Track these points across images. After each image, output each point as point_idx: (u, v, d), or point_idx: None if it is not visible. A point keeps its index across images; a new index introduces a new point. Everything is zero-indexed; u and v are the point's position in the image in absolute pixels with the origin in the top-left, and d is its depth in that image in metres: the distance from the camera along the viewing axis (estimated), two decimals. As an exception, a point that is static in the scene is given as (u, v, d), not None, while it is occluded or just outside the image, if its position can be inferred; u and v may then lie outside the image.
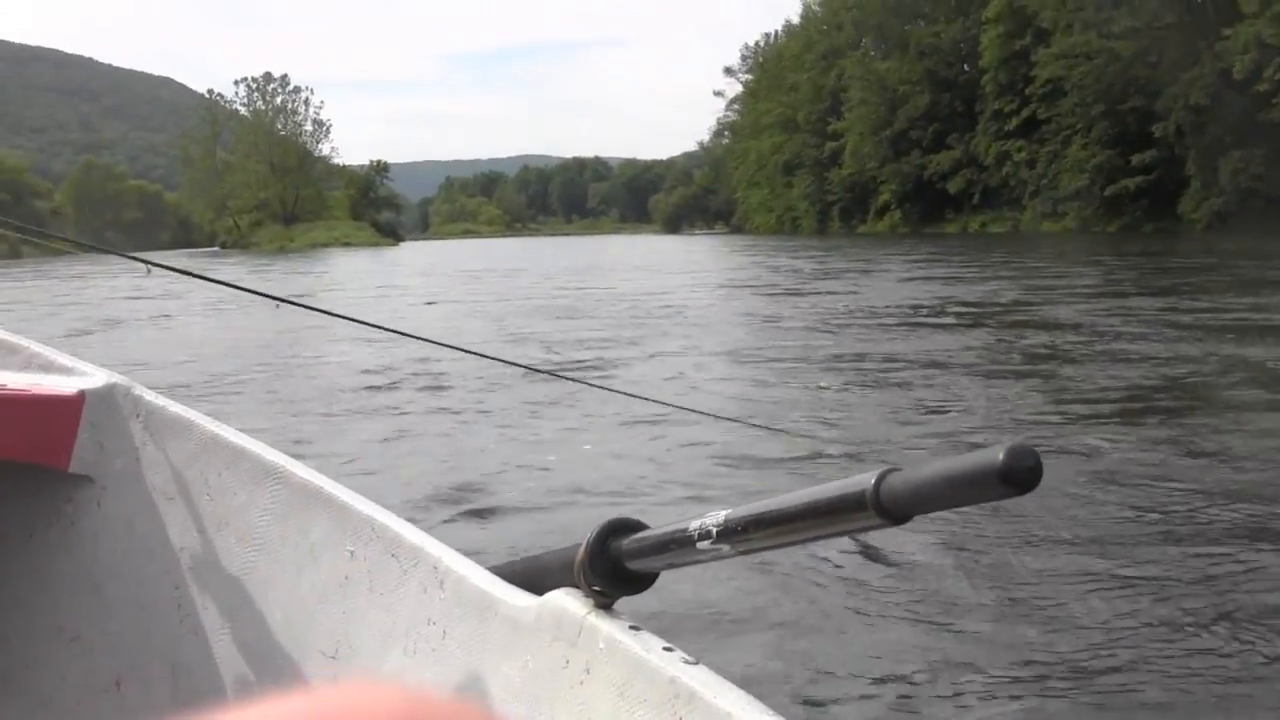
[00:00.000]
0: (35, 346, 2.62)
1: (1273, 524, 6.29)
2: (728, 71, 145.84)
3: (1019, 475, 0.88)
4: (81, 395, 2.41)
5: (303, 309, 3.28)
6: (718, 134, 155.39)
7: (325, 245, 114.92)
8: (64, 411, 2.40)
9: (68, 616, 2.38)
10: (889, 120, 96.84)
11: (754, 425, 8.59)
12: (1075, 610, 4.96)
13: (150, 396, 2.41)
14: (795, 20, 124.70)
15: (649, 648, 1.34)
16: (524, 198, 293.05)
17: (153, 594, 2.28)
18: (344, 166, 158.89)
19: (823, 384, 11.80)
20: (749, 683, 1.29)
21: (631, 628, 1.40)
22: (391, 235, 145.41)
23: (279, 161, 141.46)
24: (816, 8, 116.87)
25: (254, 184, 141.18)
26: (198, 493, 2.26)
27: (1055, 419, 9.63)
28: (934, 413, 10.31)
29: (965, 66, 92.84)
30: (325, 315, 3.69)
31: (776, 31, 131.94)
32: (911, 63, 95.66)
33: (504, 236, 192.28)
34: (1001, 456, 0.88)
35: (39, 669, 2.40)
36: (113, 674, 2.30)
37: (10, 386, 2.45)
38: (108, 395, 2.42)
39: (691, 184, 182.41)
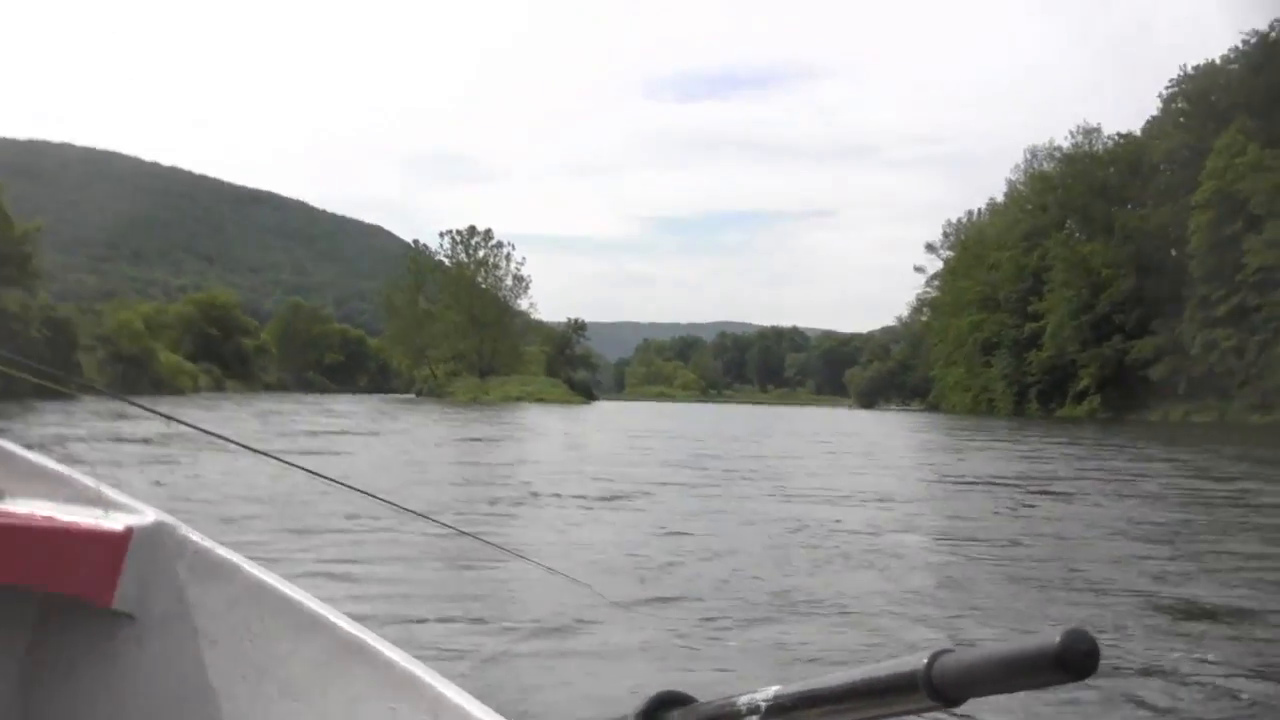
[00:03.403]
0: (86, 479, 2.63)
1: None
2: (929, 248, 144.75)
3: (1075, 661, 0.88)
4: (129, 531, 2.43)
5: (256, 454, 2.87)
6: (917, 310, 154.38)
7: (518, 399, 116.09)
8: (110, 547, 2.41)
9: None
10: (1091, 303, 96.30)
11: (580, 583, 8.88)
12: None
13: (197, 537, 2.44)
14: (999, 198, 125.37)
15: None
16: (720, 364, 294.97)
17: None
18: (542, 323, 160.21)
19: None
20: None
21: None
22: (585, 393, 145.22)
23: (478, 314, 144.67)
24: (1021, 187, 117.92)
25: (453, 334, 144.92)
26: (240, 638, 2.28)
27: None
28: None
29: (1172, 251, 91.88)
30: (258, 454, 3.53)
31: (979, 209, 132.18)
32: (1116, 246, 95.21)
33: (698, 401, 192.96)
34: (1058, 640, 0.88)
35: None
36: None
37: (58, 519, 2.47)
38: (155, 533, 2.45)
39: (888, 359, 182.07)
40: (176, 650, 2.35)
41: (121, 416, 35.72)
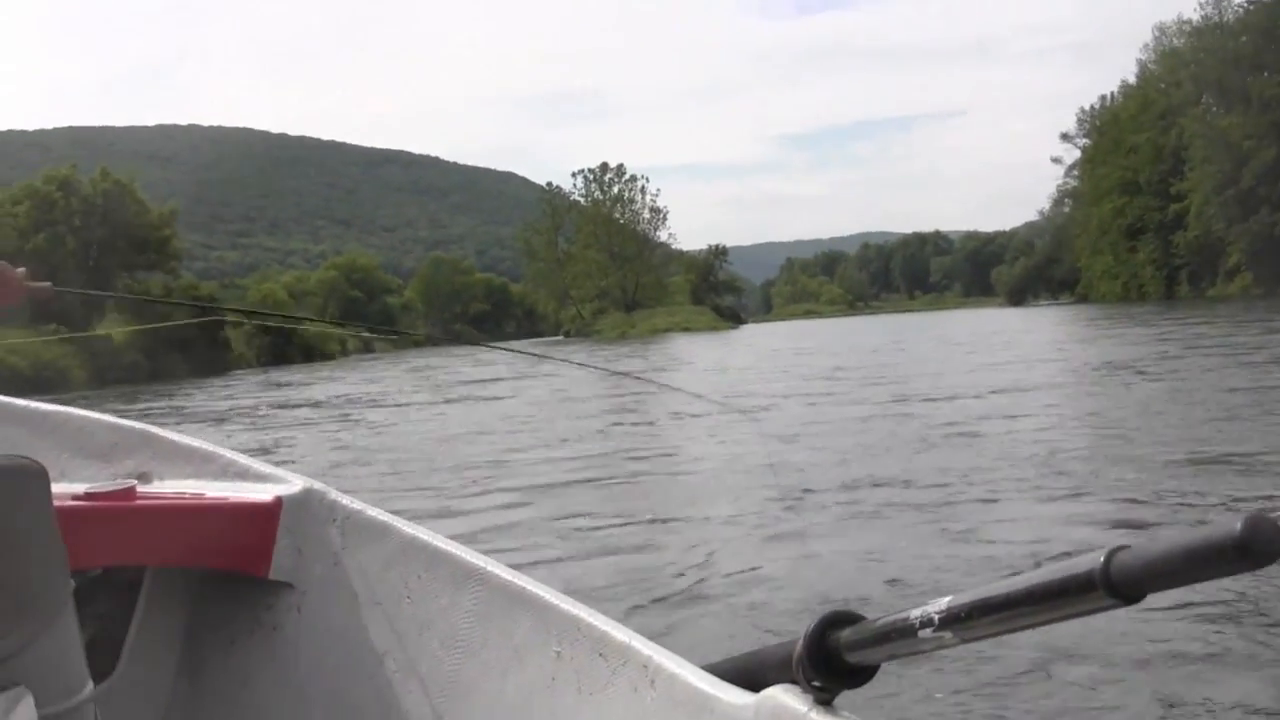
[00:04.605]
0: (231, 455, 2.70)
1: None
2: (1064, 137, 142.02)
3: (1260, 547, 0.85)
4: (279, 502, 2.49)
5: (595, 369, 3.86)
6: (1058, 202, 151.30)
7: (665, 331, 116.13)
8: (262, 519, 2.48)
9: None
10: (1234, 177, 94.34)
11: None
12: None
13: (346, 501, 2.49)
14: (1131, 80, 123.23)
15: None
16: (865, 275, 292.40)
17: (356, 699, 2.33)
18: (683, 252, 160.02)
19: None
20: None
21: None
22: (732, 318, 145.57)
23: (618, 250, 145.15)
24: (1152, 66, 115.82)
25: (595, 273, 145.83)
26: (398, 596, 2.31)
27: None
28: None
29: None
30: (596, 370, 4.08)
31: (1113, 93, 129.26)
32: (1255, 116, 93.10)
33: (845, 316, 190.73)
34: (1239, 528, 0.85)
35: None
36: None
37: (209, 496, 2.55)
38: (304, 501, 2.50)
39: (1034, 254, 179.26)
40: (336, 614, 2.42)
41: (273, 385, 38.06)
